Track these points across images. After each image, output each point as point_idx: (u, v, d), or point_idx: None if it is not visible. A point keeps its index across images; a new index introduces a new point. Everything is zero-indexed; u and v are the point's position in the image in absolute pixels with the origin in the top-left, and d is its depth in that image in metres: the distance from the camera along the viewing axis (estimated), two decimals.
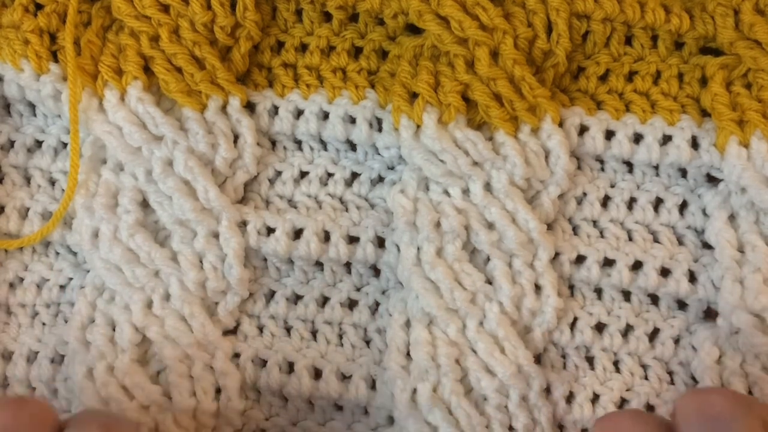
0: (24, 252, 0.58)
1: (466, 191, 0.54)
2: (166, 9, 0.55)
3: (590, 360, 0.55)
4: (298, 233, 0.56)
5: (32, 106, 0.58)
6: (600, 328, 0.55)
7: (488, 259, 0.54)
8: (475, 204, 0.54)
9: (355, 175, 0.57)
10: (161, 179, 0.54)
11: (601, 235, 0.56)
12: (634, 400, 0.54)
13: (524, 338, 0.54)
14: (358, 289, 0.57)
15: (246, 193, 0.57)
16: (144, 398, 0.54)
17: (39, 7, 0.56)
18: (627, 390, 0.54)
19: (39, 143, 0.58)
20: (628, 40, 0.56)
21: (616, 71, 0.56)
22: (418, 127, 0.54)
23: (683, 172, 0.56)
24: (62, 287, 0.57)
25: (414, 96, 0.55)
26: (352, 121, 0.56)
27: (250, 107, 0.57)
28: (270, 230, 0.56)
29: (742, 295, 0.52)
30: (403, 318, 0.54)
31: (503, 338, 0.53)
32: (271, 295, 0.57)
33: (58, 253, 0.58)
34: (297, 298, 0.57)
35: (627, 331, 0.55)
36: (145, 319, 0.54)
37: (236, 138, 0.56)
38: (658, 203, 0.56)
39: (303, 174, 0.57)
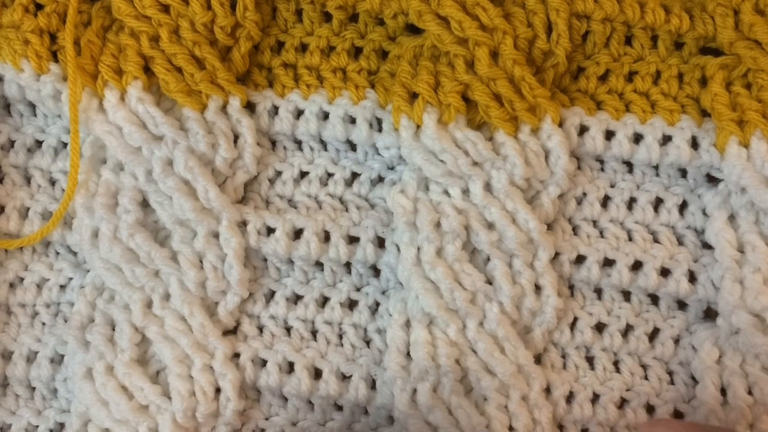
0: (24, 252, 0.58)
1: (466, 191, 0.54)
2: (166, 9, 0.55)
3: (590, 360, 0.55)
4: (298, 233, 0.56)
5: (32, 106, 0.58)
6: (600, 328, 0.56)
7: (488, 259, 0.54)
8: (475, 204, 0.54)
9: (355, 175, 0.57)
10: (161, 179, 0.54)
11: (601, 235, 0.56)
12: (634, 400, 0.54)
13: (524, 338, 0.54)
14: (358, 290, 0.56)
15: (246, 193, 0.57)
16: (143, 398, 0.54)
17: (39, 7, 0.56)
18: (627, 390, 0.54)
19: (39, 143, 0.58)
20: (628, 41, 0.56)
21: (616, 71, 0.56)
22: (418, 127, 0.54)
23: (683, 172, 0.56)
24: (62, 287, 0.58)
25: (414, 96, 0.55)
26: (352, 121, 0.56)
27: (250, 107, 0.57)
28: (270, 230, 0.56)
29: (742, 295, 0.52)
30: (403, 318, 0.54)
31: (503, 338, 0.53)
32: (271, 295, 0.57)
33: (58, 253, 0.58)
34: (297, 299, 0.57)
35: (627, 331, 0.55)
36: (144, 319, 0.54)
37: (236, 138, 0.56)
38: (658, 203, 0.56)
39: (303, 174, 0.57)
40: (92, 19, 0.56)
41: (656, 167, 0.56)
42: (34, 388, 0.57)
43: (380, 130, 0.56)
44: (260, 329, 0.56)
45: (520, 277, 0.54)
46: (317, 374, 0.55)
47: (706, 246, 0.55)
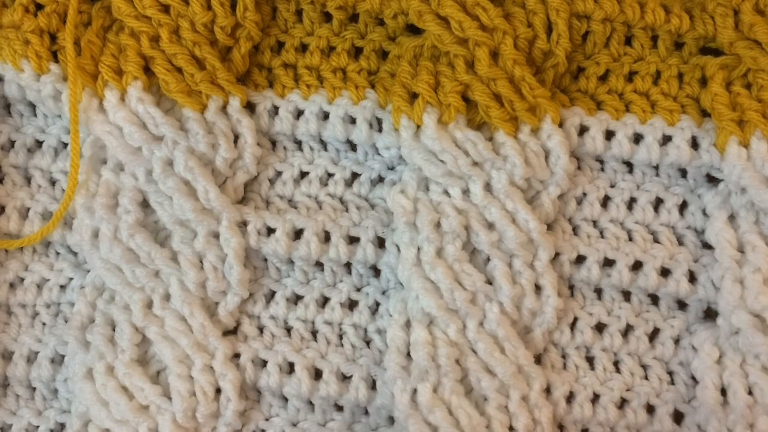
0: (24, 252, 0.58)
1: (466, 191, 0.54)
2: (166, 9, 0.55)
3: (590, 360, 0.55)
4: (298, 233, 0.56)
5: (32, 106, 0.58)
6: (600, 328, 0.56)
7: (488, 259, 0.54)
8: (475, 204, 0.54)
9: (355, 176, 0.57)
10: (161, 179, 0.54)
11: (601, 235, 0.56)
12: (635, 400, 0.54)
13: (524, 338, 0.54)
14: (359, 290, 0.57)
15: (246, 193, 0.57)
16: (144, 398, 0.54)
17: (39, 7, 0.56)
18: (627, 390, 0.55)
19: (39, 143, 0.58)
20: (628, 41, 0.56)
21: (616, 71, 0.56)
22: (418, 127, 0.54)
23: (683, 172, 0.56)
24: (62, 287, 0.58)
25: (414, 96, 0.55)
26: (352, 121, 0.56)
27: (250, 107, 0.57)
28: (270, 230, 0.56)
29: (742, 295, 0.52)
30: (403, 318, 0.54)
31: (503, 338, 0.53)
32: (272, 295, 0.57)
33: (58, 253, 0.58)
34: (297, 299, 0.57)
35: (627, 331, 0.55)
36: (145, 319, 0.54)
37: (236, 138, 0.56)
38: (658, 203, 0.56)
39: (303, 174, 0.57)
40: (92, 19, 0.56)
41: (656, 167, 0.56)
42: (34, 389, 0.57)
43: (380, 130, 0.56)
44: (260, 329, 0.56)
45: (520, 277, 0.54)
46: (317, 375, 0.55)
47: (706, 246, 0.55)
